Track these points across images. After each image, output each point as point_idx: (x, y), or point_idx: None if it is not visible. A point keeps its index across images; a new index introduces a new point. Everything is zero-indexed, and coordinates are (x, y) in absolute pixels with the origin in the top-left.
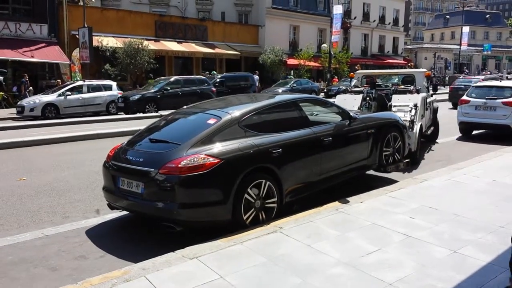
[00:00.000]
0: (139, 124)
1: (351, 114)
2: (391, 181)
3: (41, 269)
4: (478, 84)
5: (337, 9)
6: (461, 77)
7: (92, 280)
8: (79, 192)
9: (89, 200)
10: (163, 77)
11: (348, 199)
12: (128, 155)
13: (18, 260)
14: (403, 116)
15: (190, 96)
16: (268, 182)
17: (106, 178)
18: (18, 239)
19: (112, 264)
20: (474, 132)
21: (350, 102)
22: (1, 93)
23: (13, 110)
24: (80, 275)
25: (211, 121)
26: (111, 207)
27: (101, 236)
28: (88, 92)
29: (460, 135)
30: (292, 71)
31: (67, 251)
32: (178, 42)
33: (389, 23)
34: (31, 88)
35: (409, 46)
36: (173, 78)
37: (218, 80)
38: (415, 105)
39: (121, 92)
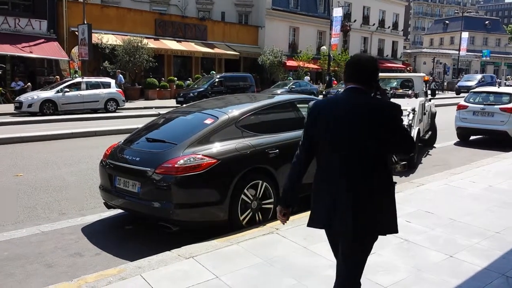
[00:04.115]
0: (137, 122)
1: None
2: None
3: (36, 265)
4: (476, 90)
5: (337, 12)
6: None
7: (87, 277)
8: (75, 189)
9: (86, 197)
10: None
11: None
12: (125, 154)
13: (13, 256)
14: None
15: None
16: (265, 183)
17: (103, 176)
18: (14, 235)
19: (108, 262)
20: (472, 137)
21: None
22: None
23: (11, 106)
24: (75, 272)
25: (208, 121)
26: (108, 206)
27: (97, 233)
28: (87, 89)
29: (458, 140)
30: (291, 72)
31: (63, 248)
32: (178, 41)
33: (389, 27)
34: (29, 84)
35: (408, 51)
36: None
37: (217, 80)
38: (413, 110)
39: (120, 90)
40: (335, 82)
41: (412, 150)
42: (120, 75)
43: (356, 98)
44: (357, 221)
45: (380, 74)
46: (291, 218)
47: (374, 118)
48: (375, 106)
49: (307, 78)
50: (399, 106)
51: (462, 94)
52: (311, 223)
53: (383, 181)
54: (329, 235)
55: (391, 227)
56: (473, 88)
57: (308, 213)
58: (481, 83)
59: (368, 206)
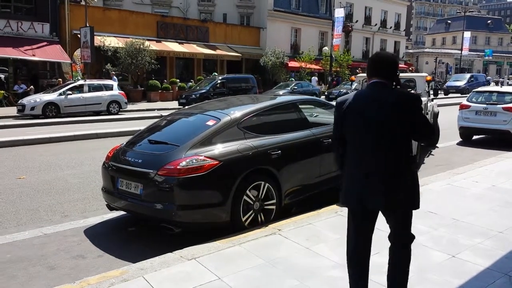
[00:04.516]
0: (139, 124)
1: None
2: None
3: (39, 267)
4: (479, 89)
5: (339, 13)
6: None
7: (90, 279)
8: (78, 191)
9: (88, 199)
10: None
11: None
12: (127, 156)
13: (16, 259)
14: None
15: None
16: (267, 184)
17: (105, 178)
18: (16, 238)
19: (110, 263)
20: (475, 137)
21: None
22: (2, 91)
23: (14, 109)
24: (78, 274)
25: (210, 123)
26: (110, 208)
27: (100, 235)
28: (89, 91)
29: (460, 140)
30: (293, 73)
31: (65, 250)
32: (180, 43)
33: (391, 27)
34: (32, 87)
35: (411, 51)
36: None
37: (219, 81)
38: None
39: (122, 92)
40: (334, 82)
41: (432, 135)
42: (114, 77)
43: (379, 91)
44: (390, 198)
45: None
46: (294, 219)
47: (396, 108)
48: (396, 97)
49: (314, 78)
50: (418, 96)
51: (451, 95)
52: (345, 203)
53: (406, 165)
54: (363, 212)
55: (415, 204)
56: (461, 88)
57: (311, 213)
58: (470, 83)
59: (396, 185)
